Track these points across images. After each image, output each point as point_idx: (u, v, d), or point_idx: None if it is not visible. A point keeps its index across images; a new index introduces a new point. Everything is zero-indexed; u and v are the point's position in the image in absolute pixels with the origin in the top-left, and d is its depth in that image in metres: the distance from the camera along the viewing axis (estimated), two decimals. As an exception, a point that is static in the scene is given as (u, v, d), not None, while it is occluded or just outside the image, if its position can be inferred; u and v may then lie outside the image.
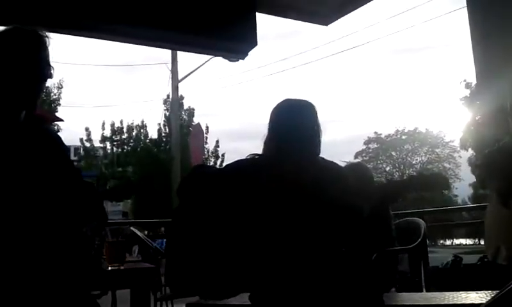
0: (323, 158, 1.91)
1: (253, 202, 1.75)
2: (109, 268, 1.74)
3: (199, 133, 15.01)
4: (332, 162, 1.94)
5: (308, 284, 1.60)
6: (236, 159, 1.92)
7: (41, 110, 1.65)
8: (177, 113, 17.40)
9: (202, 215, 1.78)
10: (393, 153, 35.02)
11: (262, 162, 1.86)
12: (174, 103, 17.15)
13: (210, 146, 19.48)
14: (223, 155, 19.45)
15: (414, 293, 2.55)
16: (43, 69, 1.41)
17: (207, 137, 18.71)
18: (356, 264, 1.71)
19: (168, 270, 2.29)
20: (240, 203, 1.75)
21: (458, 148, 25.19)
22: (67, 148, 1.65)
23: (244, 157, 1.92)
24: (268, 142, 1.89)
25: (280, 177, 1.77)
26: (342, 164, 2.08)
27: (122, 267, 1.81)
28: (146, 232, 4.82)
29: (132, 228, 3.93)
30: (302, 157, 1.83)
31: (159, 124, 19.66)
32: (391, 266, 3.06)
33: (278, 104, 1.91)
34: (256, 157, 1.91)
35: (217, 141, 19.85)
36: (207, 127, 19.02)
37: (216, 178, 1.90)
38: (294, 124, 1.84)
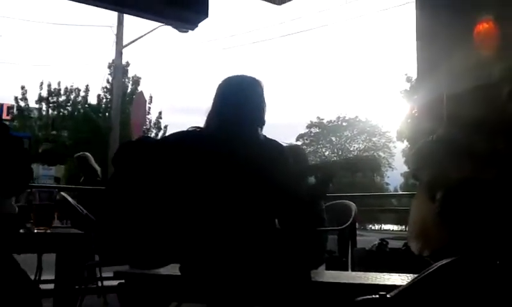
0: (265, 136, 1.93)
1: (191, 173, 1.75)
2: (36, 231, 1.67)
3: (141, 103, 14.58)
4: (274, 141, 1.97)
5: (238, 258, 1.62)
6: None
7: None
8: (120, 80, 16.87)
9: (137, 184, 1.76)
10: (333, 139, 36.03)
11: (203, 135, 1.86)
12: (117, 69, 16.59)
13: (152, 117, 19.07)
14: (165, 127, 19.11)
15: (340, 271, 2.66)
16: None
17: (150, 108, 18.26)
18: (287, 241, 1.76)
19: (98, 238, 2.25)
20: (177, 173, 1.74)
21: (394, 139, 26.31)
22: None
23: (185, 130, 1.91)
24: (211, 116, 1.89)
25: (218, 151, 1.78)
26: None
27: (49, 231, 1.76)
28: (77, 200, 4.67)
29: (62, 193, 3.80)
30: (243, 133, 1.84)
31: (102, 89, 18.93)
32: (320, 245, 3.17)
33: (225, 79, 1.91)
34: (198, 129, 1.90)
35: (160, 113, 19.47)
36: (151, 97, 18.55)
37: (154, 147, 1.89)
38: (238, 100, 1.85)
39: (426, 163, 1.90)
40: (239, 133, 1.83)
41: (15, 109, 18.84)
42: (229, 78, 1.91)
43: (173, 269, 1.90)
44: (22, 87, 18.65)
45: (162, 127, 19.16)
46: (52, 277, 1.88)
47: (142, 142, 1.98)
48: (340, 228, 3.50)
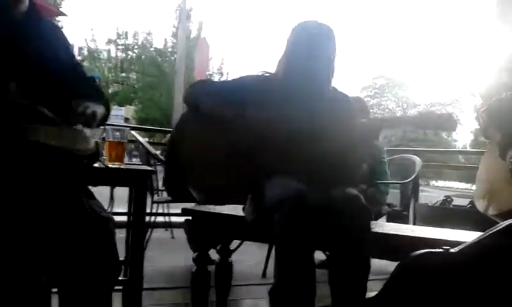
0: (335, 89, 1.92)
1: (258, 118, 1.77)
2: (110, 165, 1.78)
3: (205, 48, 14.70)
4: (343, 94, 1.95)
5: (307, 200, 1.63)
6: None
7: (44, 2, 1.61)
8: (185, 25, 16.98)
9: (206, 123, 1.81)
10: (399, 91, 34.67)
11: (273, 82, 1.87)
12: (183, 13, 16.68)
13: (215, 63, 19.22)
14: (227, 74, 19.25)
15: (400, 224, 2.65)
16: None
17: (212, 54, 18.38)
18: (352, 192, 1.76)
19: (166, 175, 2.36)
20: (246, 116, 1.77)
21: (465, 93, 24.86)
22: (69, 43, 1.64)
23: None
24: (282, 62, 1.89)
25: (288, 100, 1.79)
26: None
27: (123, 166, 1.87)
28: (146, 139, 4.89)
29: (133, 132, 3.98)
30: (313, 83, 1.84)
31: (173, 33, 19.16)
32: (381, 197, 3.15)
33: (299, 24, 1.89)
34: (267, 74, 1.91)
35: (223, 59, 19.55)
36: (214, 43, 18.62)
37: (225, 89, 1.92)
38: (311, 48, 1.82)
39: (499, 120, 1.81)
40: (309, 83, 1.83)
41: (85, 50, 19.55)
42: (303, 24, 1.88)
43: (236, 209, 1.98)
44: (92, 29, 19.25)
45: (225, 73, 19.31)
46: (122, 210, 2.01)
47: (213, 83, 2.02)
48: (402, 182, 3.45)
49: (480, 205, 1.88)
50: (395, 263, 1.07)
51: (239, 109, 1.78)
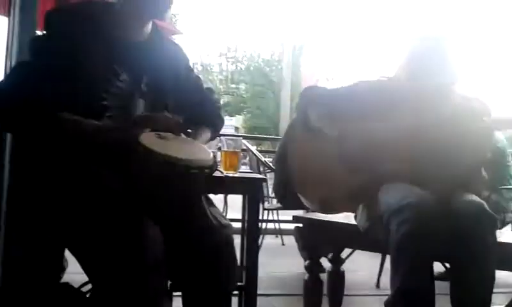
0: (458, 90, 1.84)
1: (376, 124, 1.74)
2: (225, 174, 1.87)
3: (311, 56, 14.75)
4: (465, 96, 1.86)
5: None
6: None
7: (163, 23, 1.73)
8: (291, 34, 17.21)
9: (316, 129, 1.81)
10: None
11: (394, 86, 1.83)
12: (289, 24, 16.94)
13: (323, 69, 19.18)
14: (336, 80, 19.09)
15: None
16: None
17: (320, 61, 18.37)
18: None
19: (276, 183, 2.41)
20: (361, 121, 1.75)
21: None
22: (188, 59, 1.74)
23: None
24: (405, 66, 1.85)
25: (409, 103, 1.75)
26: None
27: (237, 174, 1.94)
28: (255, 147, 5.03)
29: (244, 141, 4.13)
30: (439, 88, 1.77)
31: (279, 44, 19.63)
32: (505, 204, 2.92)
33: (417, 32, 1.87)
34: (384, 78, 1.88)
35: (331, 65, 19.43)
36: (321, 51, 18.64)
37: (341, 95, 1.90)
38: (435, 51, 1.78)
39: None
40: (430, 87, 1.77)
41: (199, 65, 20.74)
42: (422, 32, 1.87)
43: (347, 218, 1.96)
44: (204, 45, 20.38)
45: (333, 79, 19.16)
46: (235, 216, 2.09)
47: (328, 89, 2.02)
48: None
49: None
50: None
51: (355, 114, 1.76)
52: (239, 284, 1.78)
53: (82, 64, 1.33)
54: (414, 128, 1.71)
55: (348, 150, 1.75)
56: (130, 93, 1.44)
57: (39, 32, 2.03)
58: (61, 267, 1.47)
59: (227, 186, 1.85)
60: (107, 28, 1.41)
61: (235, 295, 1.74)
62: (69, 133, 1.31)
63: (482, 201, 1.61)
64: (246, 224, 1.87)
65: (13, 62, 1.94)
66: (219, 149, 2.13)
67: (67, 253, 1.39)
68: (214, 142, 2.02)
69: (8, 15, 2.01)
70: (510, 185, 2.99)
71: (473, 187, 1.75)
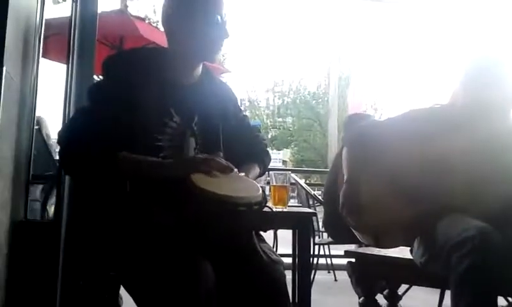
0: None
1: (437, 149, 1.69)
2: (274, 209, 1.86)
3: (357, 87, 14.65)
4: None
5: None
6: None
7: (213, 63, 1.79)
8: (337, 65, 17.23)
9: (367, 161, 1.79)
10: None
11: (449, 113, 1.79)
12: (334, 56, 16.97)
13: (369, 100, 19.04)
14: (382, 109, 18.88)
15: None
16: (225, 26, 1.51)
17: (365, 91, 18.23)
18: None
19: (326, 217, 2.37)
20: (415, 151, 1.71)
21: None
22: (236, 98, 1.78)
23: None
24: (460, 93, 1.81)
25: (467, 127, 1.70)
26: None
27: (286, 209, 1.93)
28: (303, 180, 5.01)
29: (292, 175, 4.12)
30: (495, 115, 1.73)
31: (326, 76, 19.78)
32: None
33: (471, 57, 1.82)
34: (438, 105, 1.84)
35: (376, 95, 19.26)
36: (366, 81, 18.51)
37: (395, 124, 1.87)
38: (486, 79, 1.73)
39: None
40: (488, 115, 1.73)
41: (246, 101, 21.13)
42: (475, 55, 1.82)
43: (403, 252, 1.89)
44: (251, 81, 20.80)
45: (379, 109, 18.95)
46: (285, 251, 2.05)
47: (376, 121, 1.99)
48: None
49: None
50: None
51: (405, 144, 1.73)
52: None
53: (138, 107, 1.39)
54: (471, 154, 1.65)
55: (403, 180, 1.71)
56: (183, 133, 1.48)
57: (96, 78, 2.15)
58: (117, 305, 1.49)
59: (277, 221, 1.85)
60: (160, 71, 1.47)
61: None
62: (127, 170, 1.36)
63: None
64: (297, 260, 1.84)
65: (72, 109, 2.06)
66: (268, 183, 2.13)
67: (122, 291, 1.42)
68: (263, 177, 2.03)
69: (67, 63, 2.14)
70: None
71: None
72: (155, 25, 8.81)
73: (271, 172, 2.06)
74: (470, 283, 1.41)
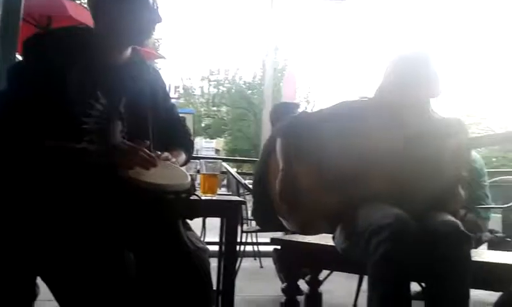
0: (433, 111, 1.89)
1: (357, 140, 1.76)
2: (203, 197, 1.87)
3: (292, 78, 14.88)
4: (440, 117, 1.91)
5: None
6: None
7: (144, 47, 1.75)
8: (273, 57, 17.39)
9: (296, 151, 1.83)
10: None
11: (372, 107, 1.86)
12: (270, 46, 17.10)
13: (302, 91, 19.43)
14: (314, 102, 19.34)
15: (503, 252, 2.45)
16: (157, 11, 1.47)
17: (299, 83, 18.58)
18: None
19: (255, 205, 2.41)
20: (341, 143, 1.77)
21: None
22: (165, 85, 1.75)
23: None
24: (382, 88, 1.90)
25: (388, 119, 1.79)
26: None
27: (215, 197, 1.94)
28: (235, 169, 5.04)
29: (223, 164, 4.13)
30: (413, 109, 1.83)
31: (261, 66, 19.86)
32: (482, 223, 2.96)
33: (398, 54, 1.91)
34: (365, 99, 1.92)
35: (310, 87, 19.69)
36: (301, 73, 18.89)
37: (324, 117, 1.93)
38: (412, 74, 1.82)
39: None
40: (411, 106, 1.83)
41: (181, 88, 20.81)
42: (403, 53, 1.90)
43: (325, 239, 1.97)
44: (186, 68, 20.51)
45: (312, 101, 19.40)
46: (213, 239, 2.07)
47: (307, 112, 2.05)
48: (505, 206, 3.21)
49: None
50: (497, 294, 1.01)
51: (333, 135, 1.79)
52: (214, 308, 1.77)
53: (61, 89, 1.33)
54: (392, 146, 1.74)
55: (328, 170, 1.77)
56: (109, 116, 1.44)
57: (19, 58, 2.03)
58: (33, 294, 1.44)
59: (205, 209, 1.85)
60: (86, 52, 1.41)
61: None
62: (51, 158, 1.30)
63: (458, 221, 1.64)
64: (223, 247, 1.86)
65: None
66: (198, 172, 2.13)
67: (39, 280, 1.37)
68: (192, 165, 2.02)
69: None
70: (486, 204, 3.04)
71: (450, 206, 1.78)
72: (86, 5, 8.42)
73: (201, 160, 2.06)
74: (385, 269, 1.50)
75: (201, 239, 1.58)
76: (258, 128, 16.26)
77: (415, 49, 1.89)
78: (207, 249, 1.45)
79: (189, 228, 1.52)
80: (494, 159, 19.03)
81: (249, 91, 20.68)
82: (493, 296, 1.02)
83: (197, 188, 1.91)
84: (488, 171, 3.27)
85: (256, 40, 37.56)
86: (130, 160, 1.31)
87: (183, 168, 1.56)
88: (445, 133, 1.80)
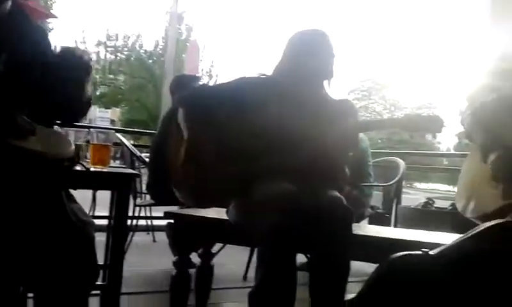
0: (326, 93, 1.96)
1: (251, 115, 1.77)
2: (92, 169, 1.77)
3: (195, 50, 14.68)
4: (332, 98, 1.98)
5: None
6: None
7: (34, 4, 1.57)
8: (176, 27, 16.95)
9: (194, 123, 1.81)
10: (386, 94, 34.91)
11: (270, 85, 1.89)
12: (173, 16, 16.63)
13: (205, 65, 19.23)
14: (217, 76, 19.29)
15: (383, 227, 2.67)
16: None
17: (202, 56, 18.40)
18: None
19: (150, 178, 2.34)
20: (237, 118, 1.77)
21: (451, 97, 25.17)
22: (50, 45, 1.60)
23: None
24: (279, 66, 1.93)
25: (284, 97, 1.82)
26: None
27: (105, 169, 1.85)
28: (132, 142, 4.87)
29: (118, 135, 3.96)
30: (310, 85, 1.89)
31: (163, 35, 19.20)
32: (365, 200, 3.17)
33: (296, 33, 1.95)
34: (263, 76, 1.93)
35: (212, 61, 19.57)
36: (204, 46, 18.65)
37: (222, 91, 1.93)
38: (308, 54, 1.87)
39: (483, 123, 1.83)
40: (306, 84, 1.88)
41: (74, 53, 19.46)
42: (300, 32, 1.95)
43: (219, 213, 1.98)
44: (82, 31, 19.22)
45: (214, 76, 19.32)
46: (104, 213, 1.99)
47: (210, 86, 2.02)
48: (386, 184, 3.48)
49: (461, 207, 1.90)
50: (376, 265, 1.08)
51: (232, 110, 1.78)
52: (100, 283, 1.71)
53: None
54: (287, 124, 1.78)
55: (224, 144, 1.77)
56: None
57: None
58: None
59: (94, 181, 1.76)
60: None
61: (95, 295, 1.66)
62: None
63: (342, 197, 1.73)
64: (112, 221, 1.79)
65: None
66: (88, 142, 2.01)
67: None
68: (82, 134, 1.91)
69: None
70: (369, 182, 3.25)
71: (336, 183, 1.88)
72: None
73: (91, 130, 1.94)
74: (273, 241, 1.55)
75: (91, 213, 1.50)
76: (157, 100, 15.83)
77: (312, 29, 1.94)
78: (92, 222, 1.40)
79: (74, 200, 1.44)
80: (379, 141, 20.60)
81: (150, 61, 20.01)
82: (372, 267, 1.10)
83: (87, 160, 1.81)
84: (373, 152, 3.50)
85: (159, 7, 36.32)
86: (7, 127, 1.20)
87: (68, 136, 1.46)
88: (337, 114, 1.89)
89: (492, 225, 1.11)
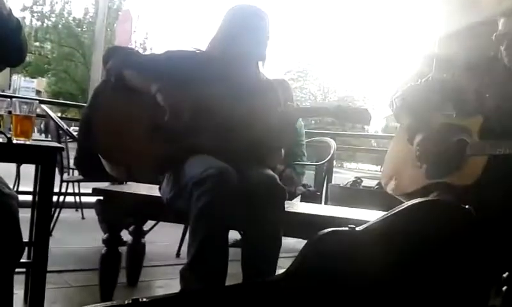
0: (261, 72, 1.95)
1: (183, 90, 1.74)
2: (15, 141, 1.67)
3: (127, 21, 14.11)
4: (268, 78, 1.99)
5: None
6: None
7: None
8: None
9: (125, 95, 1.75)
10: (321, 77, 35.75)
11: (204, 60, 1.85)
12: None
13: (138, 37, 18.60)
14: (151, 49, 18.72)
15: (314, 204, 2.75)
16: None
17: (135, 27, 17.75)
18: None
19: (78, 152, 2.25)
20: (171, 91, 1.73)
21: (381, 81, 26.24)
22: None
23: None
24: (214, 42, 1.90)
25: (216, 73, 1.80)
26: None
27: (29, 142, 1.75)
28: (59, 114, 4.64)
29: (43, 106, 3.75)
30: (243, 63, 1.88)
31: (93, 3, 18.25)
32: (297, 178, 3.25)
33: (232, 7, 1.91)
34: (198, 51, 1.89)
35: (147, 33, 18.97)
36: (138, 16, 17.99)
37: (154, 62, 1.87)
38: (243, 29, 1.85)
39: (411, 106, 1.93)
40: (240, 63, 1.86)
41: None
42: (236, 6, 1.91)
43: (151, 190, 1.94)
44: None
45: (148, 48, 18.76)
46: (30, 188, 1.89)
47: (141, 54, 1.95)
48: (317, 163, 3.58)
49: (386, 186, 2.00)
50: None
51: (165, 83, 1.74)
52: (25, 261, 1.63)
53: None
54: (219, 100, 1.77)
55: (159, 119, 1.73)
56: None
57: None
58: None
59: (16, 154, 1.66)
60: None
61: (20, 273, 1.59)
62: None
63: (275, 175, 1.76)
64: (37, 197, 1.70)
65: None
66: (10, 112, 1.88)
67: None
68: (4, 104, 1.79)
69: None
70: (302, 161, 3.33)
71: (270, 162, 1.90)
72: None
73: (14, 99, 1.82)
74: (205, 218, 1.55)
75: (14, 189, 1.42)
76: (86, 70, 15.15)
77: (250, 6, 1.92)
78: (15, 196, 1.32)
79: None
80: (313, 122, 21.09)
81: (79, 29, 19.03)
82: (302, 243, 1.14)
83: (10, 132, 1.70)
84: (306, 132, 3.58)
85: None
86: None
87: None
88: (272, 93, 1.90)
89: (421, 201, 1.19)
